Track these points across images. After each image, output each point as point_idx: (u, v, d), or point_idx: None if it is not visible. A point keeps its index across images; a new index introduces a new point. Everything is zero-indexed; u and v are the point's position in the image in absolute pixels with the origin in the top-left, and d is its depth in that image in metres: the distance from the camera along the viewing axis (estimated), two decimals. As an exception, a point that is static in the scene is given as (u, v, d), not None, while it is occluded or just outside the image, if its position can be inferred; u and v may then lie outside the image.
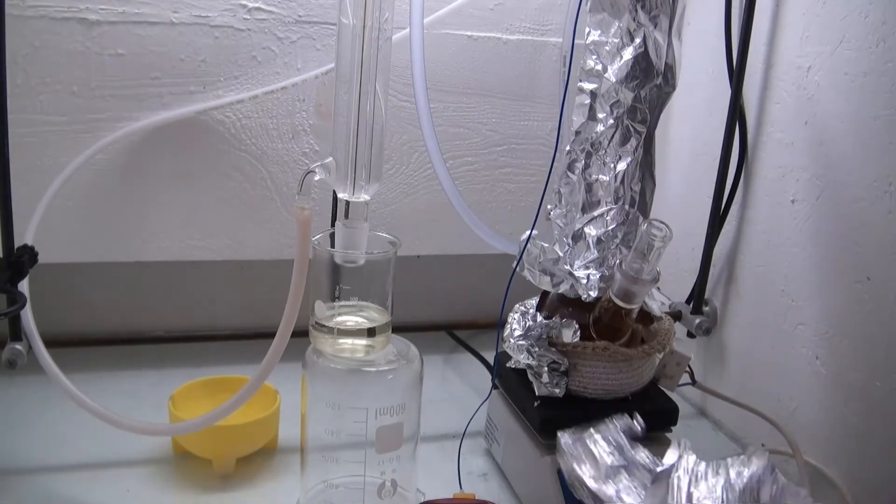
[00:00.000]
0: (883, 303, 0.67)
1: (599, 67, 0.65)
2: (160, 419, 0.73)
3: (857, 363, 0.70)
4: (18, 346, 0.73)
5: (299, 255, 0.57)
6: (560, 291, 0.68)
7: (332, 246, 0.61)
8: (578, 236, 0.67)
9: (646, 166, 0.67)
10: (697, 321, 0.89)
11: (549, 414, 0.66)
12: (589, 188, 0.67)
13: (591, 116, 0.66)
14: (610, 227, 0.66)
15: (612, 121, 0.65)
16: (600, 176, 0.66)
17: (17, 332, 0.74)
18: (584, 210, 0.67)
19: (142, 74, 0.82)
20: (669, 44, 0.64)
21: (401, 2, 0.76)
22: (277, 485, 0.72)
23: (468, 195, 0.93)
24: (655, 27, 0.64)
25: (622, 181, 0.66)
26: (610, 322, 0.66)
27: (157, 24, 0.81)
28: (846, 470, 0.71)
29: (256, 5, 0.84)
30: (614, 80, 0.64)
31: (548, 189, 0.68)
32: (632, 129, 0.65)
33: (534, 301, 0.74)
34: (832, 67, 0.73)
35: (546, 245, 0.69)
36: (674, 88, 0.66)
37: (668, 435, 0.71)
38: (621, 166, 0.65)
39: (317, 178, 0.59)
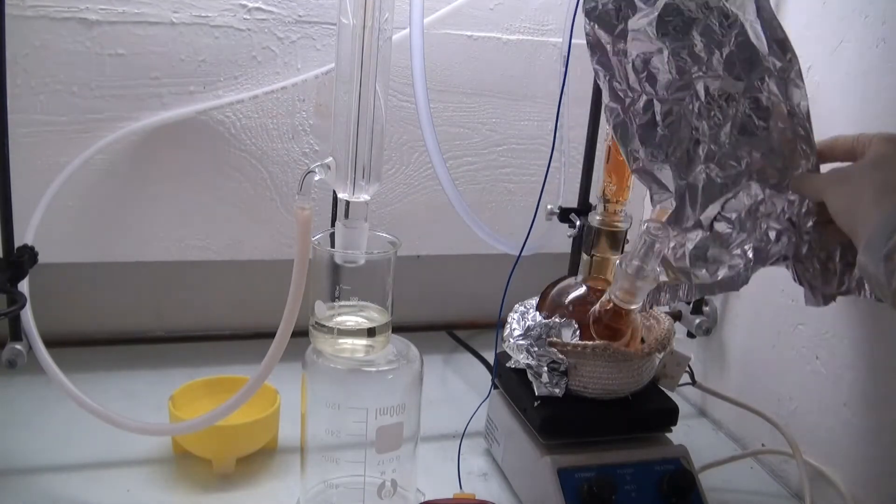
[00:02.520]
0: (883, 303, 0.67)
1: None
2: (160, 419, 0.73)
3: (857, 363, 0.70)
4: (18, 346, 0.73)
5: (299, 255, 0.57)
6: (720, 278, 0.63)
7: (332, 246, 0.61)
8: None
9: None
10: (697, 321, 0.89)
11: (549, 414, 0.66)
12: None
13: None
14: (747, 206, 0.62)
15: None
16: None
17: (17, 332, 0.74)
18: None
19: (142, 74, 0.82)
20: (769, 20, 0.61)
21: (401, 2, 0.76)
22: (277, 485, 0.72)
23: (468, 195, 0.93)
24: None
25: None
26: (610, 322, 0.66)
27: (157, 24, 0.81)
28: (846, 470, 0.71)
29: (256, 5, 0.84)
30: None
31: (545, 189, 0.68)
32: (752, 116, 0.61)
33: (533, 301, 0.74)
34: (832, 67, 0.73)
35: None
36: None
37: (669, 435, 0.71)
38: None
39: (317, 178, 0.59)
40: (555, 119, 0.75)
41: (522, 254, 0.71)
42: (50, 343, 0.71)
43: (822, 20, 0.74)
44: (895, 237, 0.50)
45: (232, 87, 0.85)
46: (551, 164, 0.72)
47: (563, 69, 0.87)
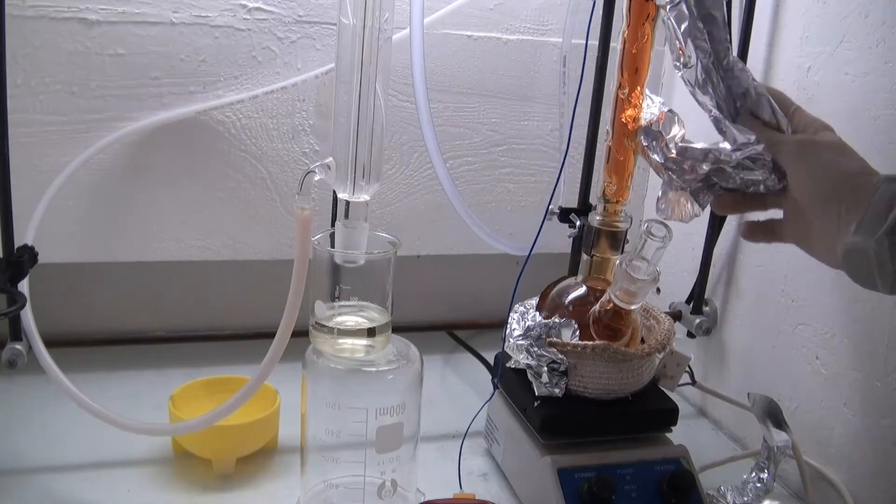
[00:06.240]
0: (883, 303, 0.67)
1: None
2: (160, 419, 0.73)
3: (857, 363, 0.70)
4: (18, 346, 0.73)
5: (299, 255, 0.57)
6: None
7: (332, 246, 0.61)
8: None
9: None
10: (697, 321, 0.89)
11: (549, 414, 0.66)
12: None
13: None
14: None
15: None
16: None
17: (17, 332, 0.74)
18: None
19: (142, 74, 0.82)
20: None
21: (401, 2, 0.76)
22: (277, 485, 0.72)
23: (468, 195, 0.93)
24: None
25: None
26: (610, 322, 0.66)
27: (157, 24, 0.81)
28: (846, 470, 0.71)
29: (256, 5, 0.84)
30: None
31: (558, 185, 0.68)
32: None
33: (533, 301, 0.74)
34: (832, 67, 0.73)
35: None
36: None
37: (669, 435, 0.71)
38: None
39: (317, 178, 0.59)
40: (556, 119, 0.75)
41: (523, 254, 0.71)
42: (50, 343, 0.71)
43: (822, 20, 0.74)
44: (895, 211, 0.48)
45: (232, 87, 0.85)
46: (555, 165, 0.72)
47: (565, 69, 0.87)
